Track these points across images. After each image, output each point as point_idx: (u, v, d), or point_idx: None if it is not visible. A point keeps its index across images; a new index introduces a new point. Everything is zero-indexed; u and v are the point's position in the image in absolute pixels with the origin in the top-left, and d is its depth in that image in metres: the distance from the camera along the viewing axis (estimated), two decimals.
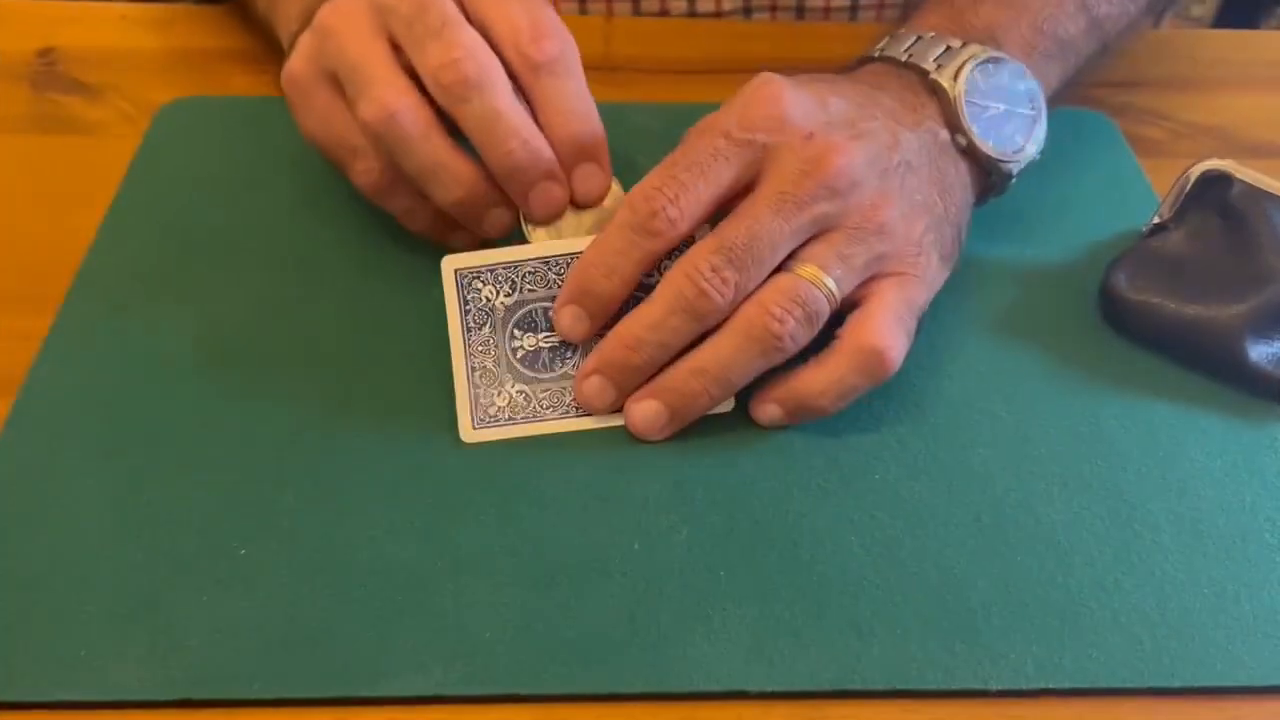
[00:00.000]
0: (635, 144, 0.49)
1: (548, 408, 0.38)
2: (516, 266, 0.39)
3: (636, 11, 0.61)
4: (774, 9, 0.62)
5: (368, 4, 0.39)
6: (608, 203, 0.40)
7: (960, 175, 0.41)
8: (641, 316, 0.36)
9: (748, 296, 0.36)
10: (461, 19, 0.38)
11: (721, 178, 0.36)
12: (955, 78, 0.40)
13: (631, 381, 0.37)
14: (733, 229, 0.35)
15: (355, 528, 0.34)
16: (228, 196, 0.45)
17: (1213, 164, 0.42)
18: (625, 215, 0.36)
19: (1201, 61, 0.57)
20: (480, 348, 0.38)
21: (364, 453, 0.36)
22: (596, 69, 0.54)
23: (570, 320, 0.37)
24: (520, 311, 0.39)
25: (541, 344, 0.39)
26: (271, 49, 0.54)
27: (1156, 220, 0.43)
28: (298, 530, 0.34)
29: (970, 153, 0.41)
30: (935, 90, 0.41)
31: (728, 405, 0.38)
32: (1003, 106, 0.41)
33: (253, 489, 0.35)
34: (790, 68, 0.54)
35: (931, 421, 0.38)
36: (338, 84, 0.39)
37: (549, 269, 0.39)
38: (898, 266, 0.37)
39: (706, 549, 0.34)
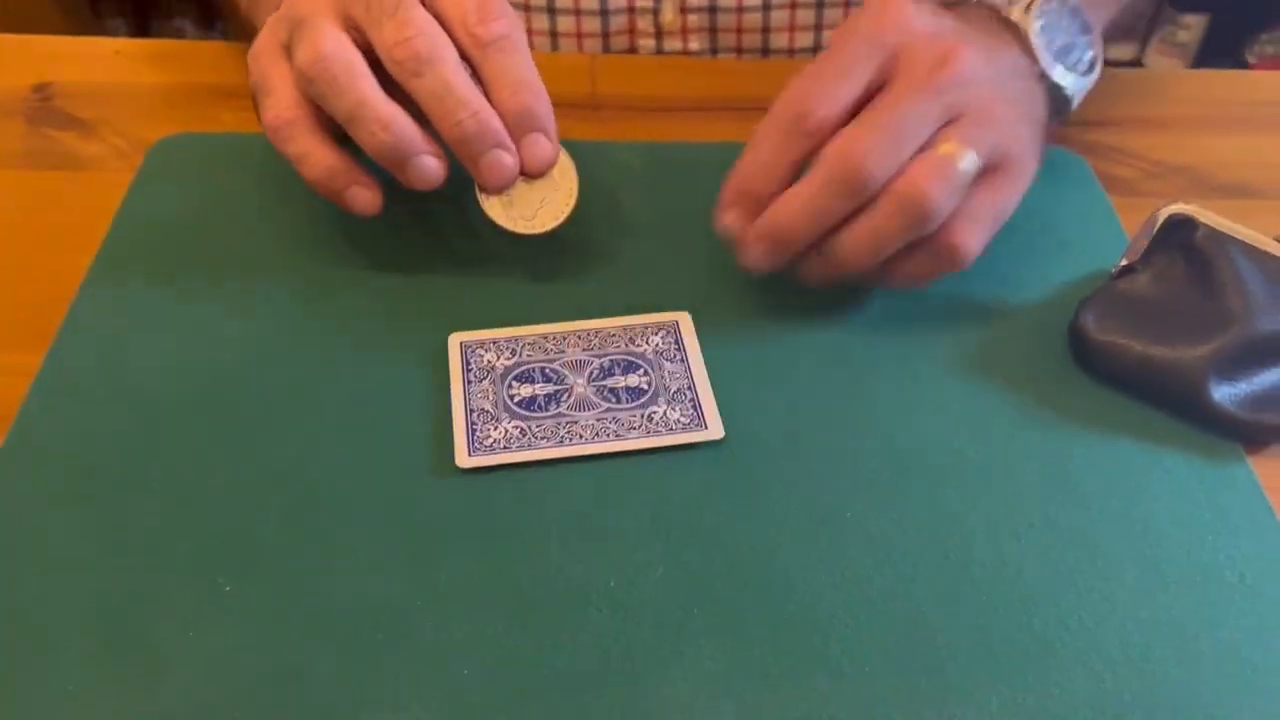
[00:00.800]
0: (619, 181, 0.50)
1: (542, 439, 0.39)
2: (518, 339, 0.42)
3: (606, 48, 0.63)
4: (739, 50, 0.63)
5: None
6: (557, 173, 0.43)
7: (1039, 96, 0.44)
8: (801, 194, 0.39)
9: (895, 175, 0.39)
10: (415, 2, 0.40)
11: (862, 78, 0.40)
12: (1026, 13, 0.44)
13: (790, 252, 0.41)
14: (880, 114, 0.39)
15: (338, 563, 0.35)
16: (219, 234, 0.46)
17: (1178, 208, 0.43)
18: (779, 120, 0.40)
19: (1173, 101, 0.58)
20: (479, 395, 0.40)
21: (348, 489, 0.37)
22: (581, 107, 0.55)
23: (732, 220, 0.41)
24: (519, 370, 0.40)
25: (538, 392, 0.40)
26: None
27: (1124, 262, 0.44)
28: (281, 566, 0.35)
29: (1043, 79, 0.44)
30: (1010, 25, 0.44)
31: (718, 432, 0.39)
32: (1064, 40, 0.45)
33: (238, 525, 0.36)
34: (767, 104, 0.56)
35: (902, 459, 0.39)
36: (289, 53, 0.42)
37: (547, 341, 0.41)
38: (1007, 161, 0.41)
39: (681, 586, 0.35)
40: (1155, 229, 0.43)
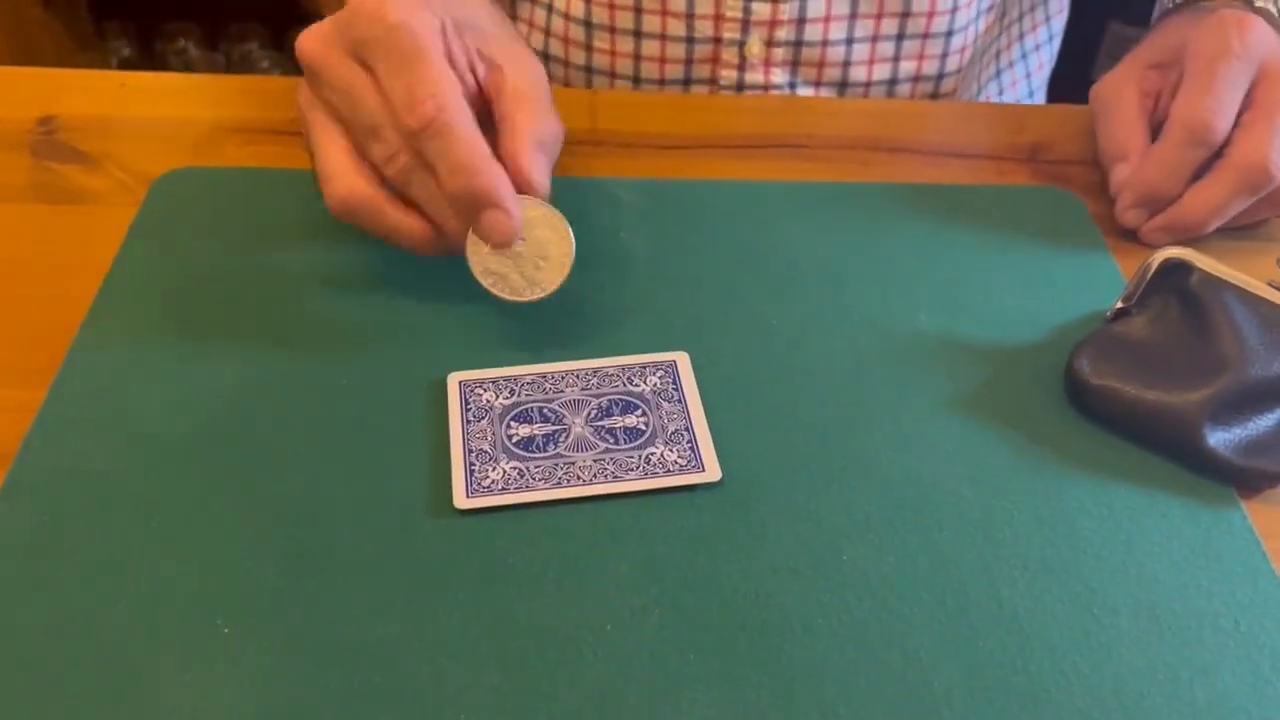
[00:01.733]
0: (620, 218, 0.50)
1: (539, 480, 0.39)
2: (516, 378, 0.42)
3: (688, 75, 0.64)
4: (818, 84, 0.64)
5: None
6: (541, 230, 0.43)
7: None
8: (1211, 194, 0.48)
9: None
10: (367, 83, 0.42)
11: (1243, 90, 0.48)
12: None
13: (1159, 207, 0.50)
14: (1270, 121, 0.48)
15: (336, 606, 0.35)
16: (223, 269, 0.47)
17: (1173, 252, 0.43)
18: (1182, 134, 0.48)
19: None
20: (478, 435, 0.40)
21: (347, 530, 0.37)
22: (581, 143, 0.56)
23: (1136, 218, 0.50)
24: (517, 410, 0.41)
25: (536, 432, 0.40)
26: (268, 119, 0.55)
27: (1119, 305, 0.44)
28: (280, 609, 0.35)
29: None
30: (1259, 11, 0.51)
31: (715, 474, 0.39)
32: None
33: (237, 566, 0.36)
34: (773, 141, 0.56)
35: (898, 502, 0.39)
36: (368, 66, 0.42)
37: (546, 380, 0.42)
38: None
39: (677, 631, 0.35)
40: (1150, 273, 0.44)
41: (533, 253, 0.43)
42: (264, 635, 0.34)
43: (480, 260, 0.43)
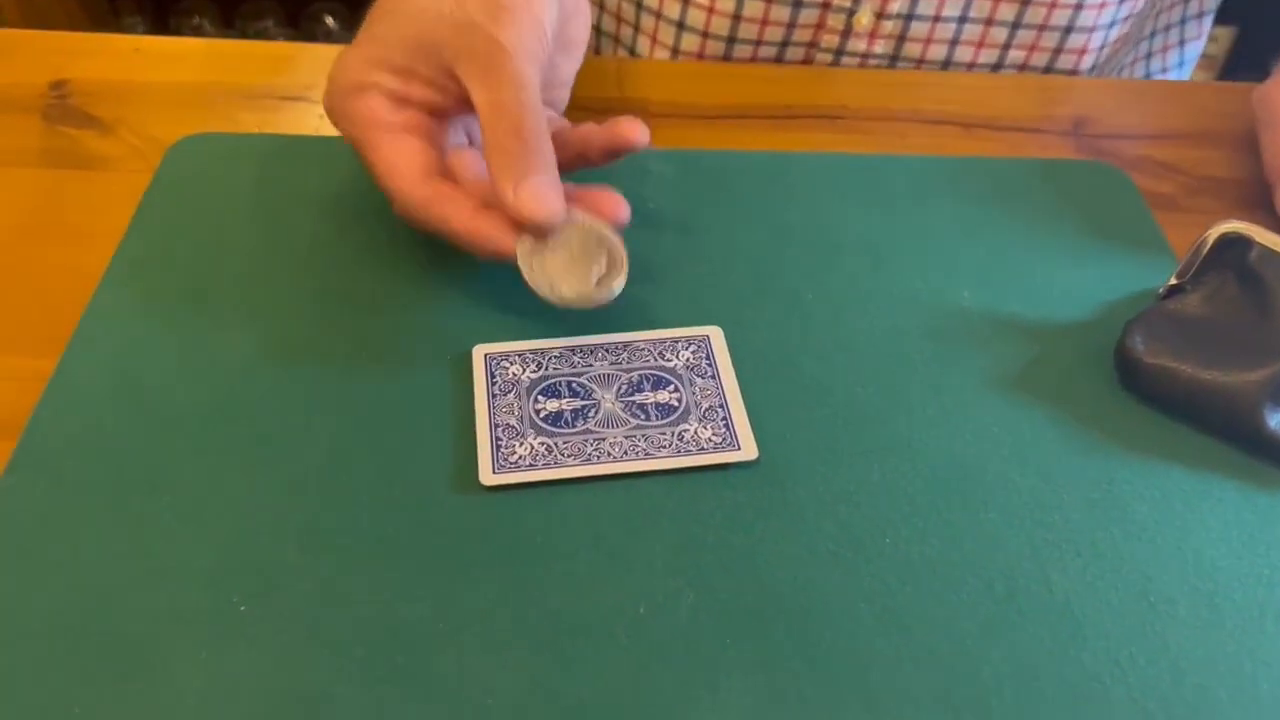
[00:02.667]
0: (648, 189, 0.49)
1: (568, 456, 0.37)
2: (543, 352, 0.41)
3: (786, 39, 0.62)
4: (921, 61, 0.62)
5: None
6: (576, 238, 0.40)
7: None
8: None
9: None
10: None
11: None
12: None
13: None
14: None
15: (358, 584, 0.34)
16: (239, 237, 0.45)
17: (1231, 226, 0.42)
18: None
19: (1217, 114, 0.56)
20: (504, 410, 0.39)
21: (370, 507, 0.36)
22: (609, 112, 0.54)
23: None
24: (545, 384, 0.39)
25: (564, 407, 0.39)
26: (285, 84, 0.54)
27: (1173, 281, 0.43)
28: (298, 585, 0.34)
29: None
30: None
31: (751, 453, 0.37)
32: None
33: (254, 542, 0.35)
34: (806, 111, 0.54)
35: (943, 484, 0.38)
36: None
37: (574, 354, 0.41)
38: None
39: (713, 615, 0.34)
40: (1206, 248, 0.42)
41: (571, 259, 0.40)
42: (282, 614, 0.33)
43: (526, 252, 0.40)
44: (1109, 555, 0.36)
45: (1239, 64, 1.43)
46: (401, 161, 0.41)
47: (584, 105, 0.54)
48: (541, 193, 0.38)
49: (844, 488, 0.37)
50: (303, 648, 0.32)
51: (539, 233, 0.39)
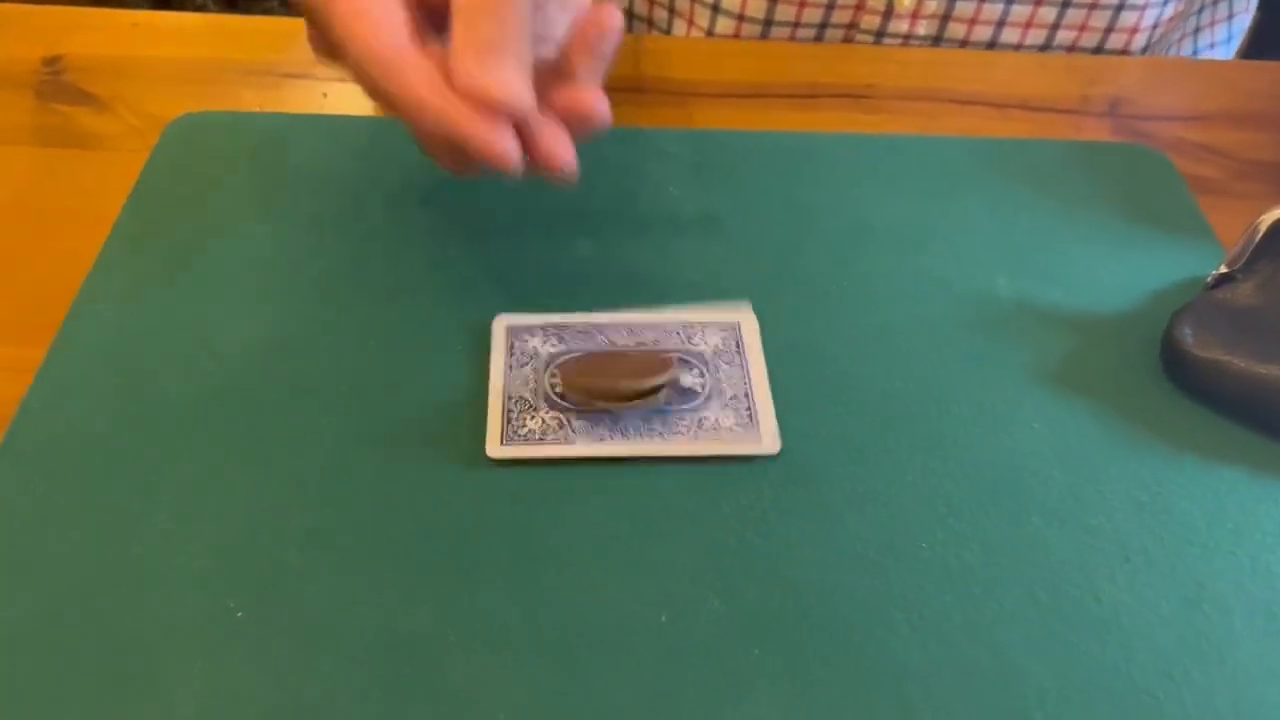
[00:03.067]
0: (668, 173, 0.46)
1: (580, 434, 0.35)
2: (566, 326, 0.39)
3: (825, 21, 0.59)
4: (964, 42, 0.59)
5: None
6: None
7: None
8: None
9: None
10: None
11: None
12: None
13: None
14: None
15: (362, 590, 0.32)
16: (238, 218, 0.43)
17: None
18: None
19: (1260, 94, 0.54)
20: (519, 382, 0.37)
21: (374, 505, 0.34)
22: (625, 90, 0.52)
23: None
24: (564, 358, 0.37)
25: None
26: (286, 61, 0.52)
27: (1222, 270, 0.40)
28: (300, 592, 0.32)
29: None
30: None
31: (772, 447, 0.36)
32: None
33: (252, 544, 0.33)
34: (831, 90, 0.52)
35: (982, 485, 0.35)
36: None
37: (598, 331, 0.39)
38: None
39: (740, 623, 0.32)
40: (1259, 235, 0.39)
41: None
42: (281, 619, 0.31)
43: None
44: (1159, 561, 0.34)
45: (1262, 44, 1.40)
46: (373, 12, 0.33)
47: None
48: (508, 76, 0.32)
49: (875, 488, 0.35)
50: (304, 656, 0.30)
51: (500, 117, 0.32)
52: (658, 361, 0.37)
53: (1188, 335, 0.38)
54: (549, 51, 0.40)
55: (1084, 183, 0.47)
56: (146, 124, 0.48)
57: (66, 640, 0.30)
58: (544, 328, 0.39)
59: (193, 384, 0.37)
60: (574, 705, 0.30)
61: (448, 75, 0.32)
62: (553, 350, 0.38)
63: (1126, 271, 0.43)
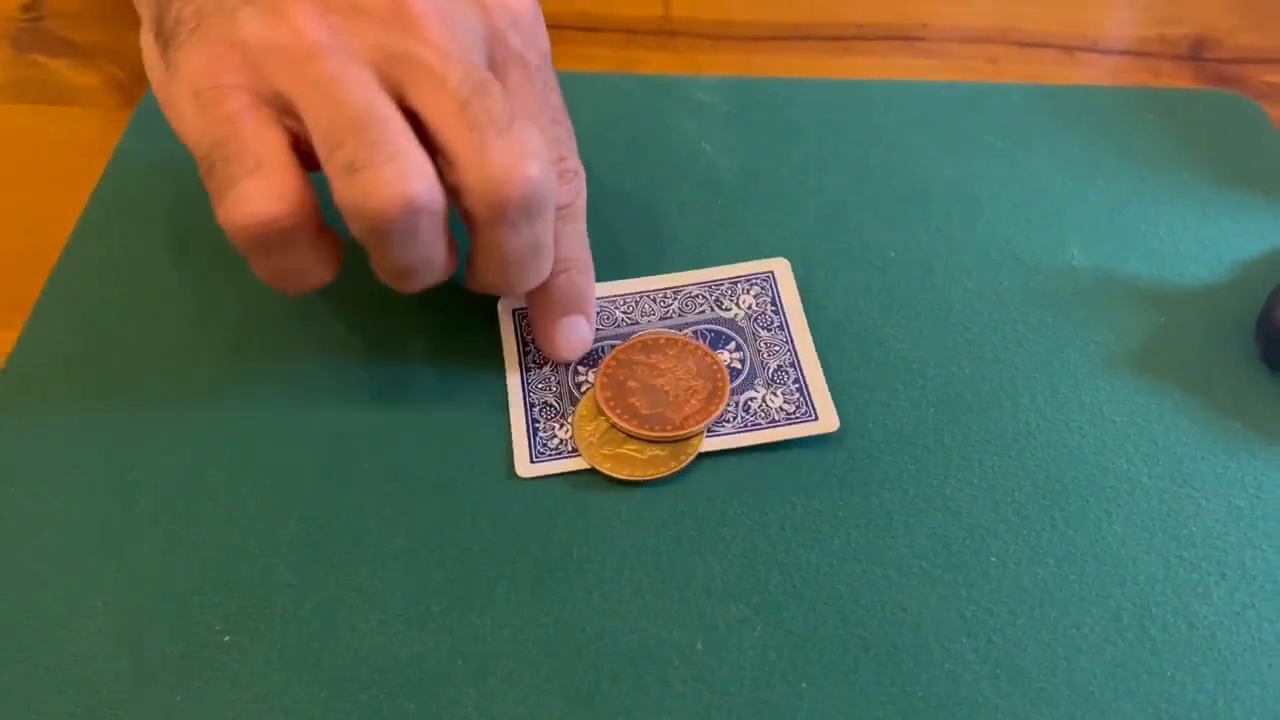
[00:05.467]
0: (702, 125, 0.42)
1: None
2: None
3: None
4: None
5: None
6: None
7: None
8: None
9: None
10: (409, 142, 0.27)
11: None
12: None
13: None
14: None
15: (361, 611, 0.29)
16: None
17: None
18: None
19: None
20: (540, 385, 0.33)
21: (373, 518, 0.30)
22: (654, 34, 0.47)
23: None
24: (587, 386, 0.33)
25: None
26: None
27: None
28: (292, 613, 0.28)
29: None
30: None
31: (832, 423, 0.32)
32: None
33: (240, 557, 0.29)
34: (881, 32, 0.47)
35: (1057, 488, 0.31)
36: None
37: (616, 306, 0.35)
38: None
39: (785, 651, 0.28)
40: None
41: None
42: (273, 645, 0.28)
43: None
44: (1260, 578, 0.30)
45: None
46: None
47: (625, 26, 0.47)
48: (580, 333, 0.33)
49: (938, 492, 0.31)
50: (298, 686, 0.27)
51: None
52: (701, 371, 0.33)
53: None
54: None
55: (1165, 137, 0.42)
56: (131, 77, 0.44)
57: (34, 668, 0.27)
58: None
59: (176, 373, 0.34)
60: None
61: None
62: None
63: (1216, 240, 0.38)
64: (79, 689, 0.27)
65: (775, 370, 0.33)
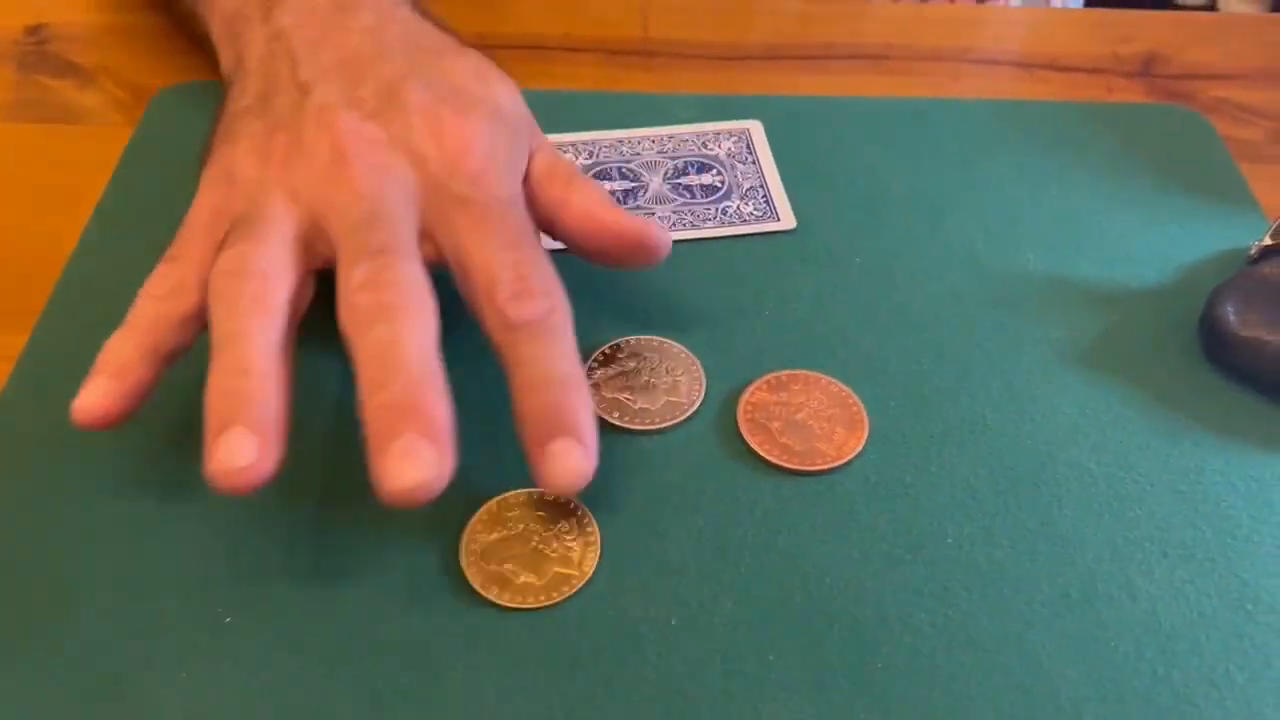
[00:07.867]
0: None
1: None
2: (595, 142, 0.43)
3: None
4: None
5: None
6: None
7: None
8: None
9: None
10: (412, 254, 0.31)
11: None
12: None
13: None
14: None
15: (359, 593, 0.30)
16: None
17: None
18: None
19: None
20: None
21: (372, 506, 0.32)
22: (633, 54, 0.49)
23: None
24: (596, 169, 0.42)
25: (615, 189, 0.42)
26: None
27: (1267, 242, 0.38)
28: (293, 595, 0.30)
29: None
30: None
31: (789, 222, 0.40)
32: None
33: (243, 541, 0.31)
34: (847, 52, 0.49)
35: (1011, 475, 0.33)
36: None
37: (623, 144, 0.43)
38: None
39: (754, 627, 0.30)
40: None
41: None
42: (276, 627, 0.29)
43: None
44: (1200, 556, 0.32)
45: None
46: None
47: (606, 46, 0.49)
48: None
49: (899, 480, 0.33)
50: (297, 665, 0.29)
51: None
52: (833, 400, 0.35)
53: (1229, 313, 0.36)
54: None
55: (1117, 148, 0.44)
56: (133, 96, 0.46)
57: (42, 649, 0.29)
58: (575, 144, 0.43)
59: (180, 373, 0.35)
60: (577, 716, 0.28)
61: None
62: (585, 163, 0.42)
63: (1163, 243, 0.41)
64: (89, 666, 0.29)
65: (748, 189, 0.41)
